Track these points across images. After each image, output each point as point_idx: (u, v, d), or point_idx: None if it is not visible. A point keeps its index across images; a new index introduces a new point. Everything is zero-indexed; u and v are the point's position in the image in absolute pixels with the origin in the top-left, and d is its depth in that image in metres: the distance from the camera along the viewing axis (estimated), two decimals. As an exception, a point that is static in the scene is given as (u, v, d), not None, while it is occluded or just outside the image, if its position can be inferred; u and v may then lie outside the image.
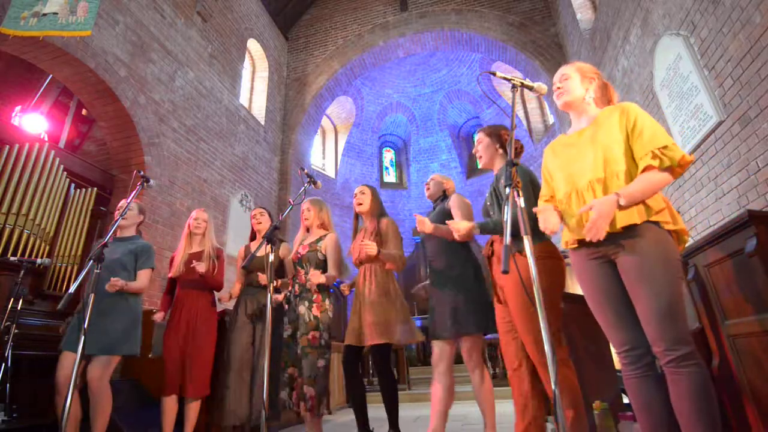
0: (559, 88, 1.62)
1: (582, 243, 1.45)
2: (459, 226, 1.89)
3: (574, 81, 1.59)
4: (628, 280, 1.35)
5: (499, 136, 2.08)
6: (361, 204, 2.64)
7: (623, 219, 1.33)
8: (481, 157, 2.12)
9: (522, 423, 1.82)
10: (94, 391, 2.29)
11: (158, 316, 2.80)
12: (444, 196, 2.54)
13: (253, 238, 3.19)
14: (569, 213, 1.49)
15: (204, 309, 2.82)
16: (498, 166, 2.09)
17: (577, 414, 1.64)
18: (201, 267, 2.71)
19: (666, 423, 1.29)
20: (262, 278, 2.81)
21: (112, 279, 2.33)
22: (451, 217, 2.29)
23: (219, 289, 2.95)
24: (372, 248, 2.37)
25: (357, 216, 2.75)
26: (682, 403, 1.22)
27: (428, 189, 2.59)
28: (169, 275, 2.89)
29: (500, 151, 2.06)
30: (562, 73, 1.63)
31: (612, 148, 1.42)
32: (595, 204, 1.33)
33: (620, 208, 1.32)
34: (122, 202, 2.67)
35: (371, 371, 6.27)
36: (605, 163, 1.42)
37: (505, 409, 3.51)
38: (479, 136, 2.14)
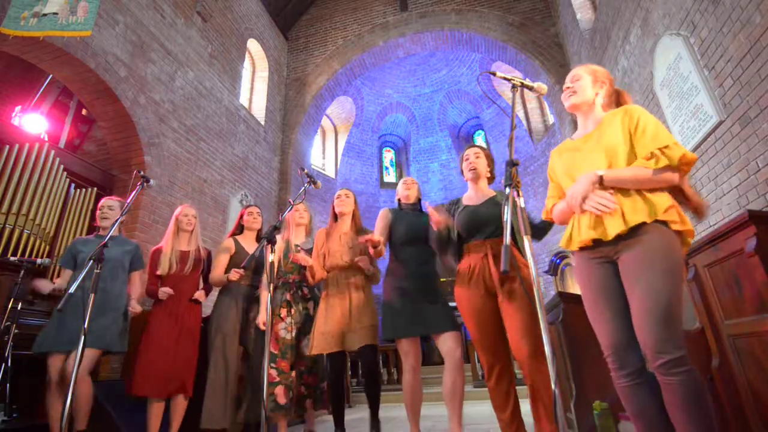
0: (569, 87, 1.60)
1: (587, 246, 1.43)
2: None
3: (586, 82, 1.58)
4: (627, 278, 1.33)
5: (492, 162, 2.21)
6: (345, 204, 2.68)
7: (632, 219, 1.32)
8: (475, 170, 2.14)
9: (512, 421, 1.85)
10: (79, 385, 2.29)
11: (167, 291, 2.69)
12: (420, 206, 2.57)
13: (240, 231, 3.11)
14: (578, 215, 1.47)
15: (191, 308, 2.80)
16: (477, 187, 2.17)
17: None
18: (202, 297, 2.82)
19: (663, 428, 1.28)
20: (233, 275, 2.75)
21: (133, 308, 2.61)
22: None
23: (213, 287, 2.97)
24: (365, 262, 2.46)
25: (334, 215, 2.73)
26: (676, 411, 1.20)
27: (409, 190, 2.57)
28: (157, 272, 2.78)
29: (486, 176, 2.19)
30: (575, 73, 1.62)
31: (616, 149, 1.41)
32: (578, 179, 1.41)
33: (601, 180, 1.36)
34: (104, 201, 2.70)
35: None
36: (609, 165, 1.41)
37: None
38: (477, 151, 2.19)
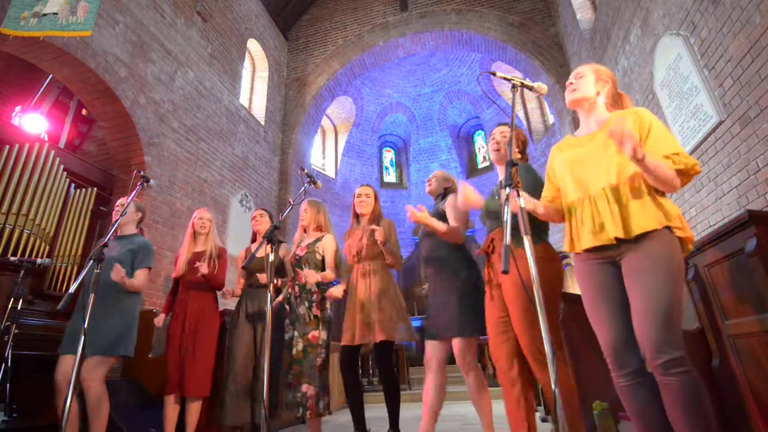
0: (571, 83, 1.60)
1: (589, 249, 1.43)
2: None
3: (588, 80, 1.57)
4: (629, 279, 1.33)
5: (521, 140, 2.08)
6: (365, 205, 2.63)
7: (641, 225, 1.31)
8: (498, 150, 2.00)
9: (518, 422, 1.81)
10: (87, 391, 2.28)
11: (159, 320, 2.78)
12: (445, 194, 2.48)
13: (254, 239, 3.20)
14: (580, 218, 1.46)
15: (206, 309, 2.83)
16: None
17: (572, 413, 1.64)
18: (203, 268, 2.72)
19: (662, 428, 1.28)
20: (262, 277, 2.82)
21: (116, 266, 2.29)
22: (445, 217, 2.29)
23: (220, 288, 2.96)
24: (381, 233, 2.36)
25: (355, 215, 2.71)
26: (674, 412, 1.21)
27: (429, 185, 2.53)
28: (174, 275, 2.89)
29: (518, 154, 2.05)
30: (578, 71, 1.61)
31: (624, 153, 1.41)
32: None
33: (635, 155, 1.24)
34: (121, 200, 2.68)
35: (371, 371, 6.27)
36: (618, 168, 1.40)
37: (501, 409, 3.51)
38: (504, 129, 2.06)
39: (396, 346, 6.29)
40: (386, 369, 2.45)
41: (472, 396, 2.18)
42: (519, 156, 2.07)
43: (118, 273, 2.29)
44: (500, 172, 2.08)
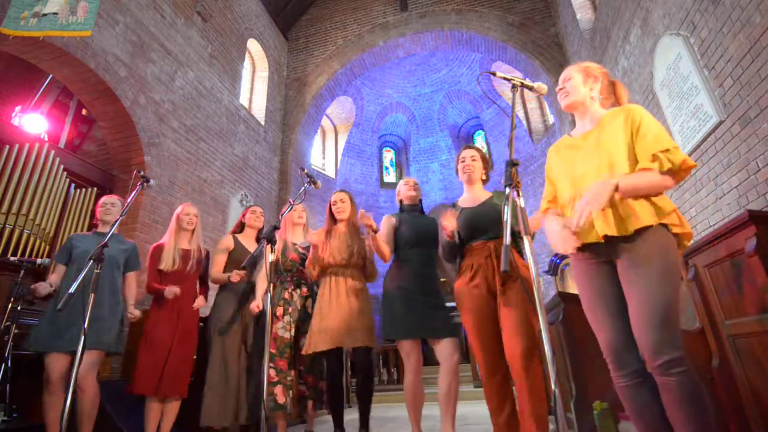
0: (561, 89, 1.61)
1: (584, 247, 1.42)
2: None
3: (576, 81, 1.58)
4: (625, 279, 1.33)
5: (488, 163, 2.25)
6: (342, 211, 2.66)
7: (637, 222, 1.30)
8: (468, 174, 2.17)
9: (507, 424, 1.86)
10: (85, 390, 2.27)
11: (174, 291, 2.64)
12: (421, 207, 2.59)
13: (241, 230, 3.13)
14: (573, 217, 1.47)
15: (189, 307, 2.77)
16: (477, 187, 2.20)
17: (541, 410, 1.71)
18: (202, 302, 2.80)
19: (662, 428, 1.28)
20: (235, 276, 2.73)
21: (131, 313, 2.57)
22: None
23: (209, 289, 2.96)
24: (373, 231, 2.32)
25: (332, 216, 2.70)
26: (674, 411, 1.21)
27: (414, 191, 2.56)
28: (160, 267, 2.74)
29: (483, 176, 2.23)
30: (565, 74, 1.63)
31: (616, 152, 1.40)
32: (591, 187, 1.32)
33: (615, 189, 1.30)
34: (107, 198, 2.67)
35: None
36: (609, 167, 1.40)
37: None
38: (474, 154, 2.20)
39: (389, 348, 6.31)
40: (370, 373, 2.49)
41: (447, 395, 2.15)
42: (485, 179, 2.23)
43: (135, 317, 2.59)
44: (467, 192, 2.19)
